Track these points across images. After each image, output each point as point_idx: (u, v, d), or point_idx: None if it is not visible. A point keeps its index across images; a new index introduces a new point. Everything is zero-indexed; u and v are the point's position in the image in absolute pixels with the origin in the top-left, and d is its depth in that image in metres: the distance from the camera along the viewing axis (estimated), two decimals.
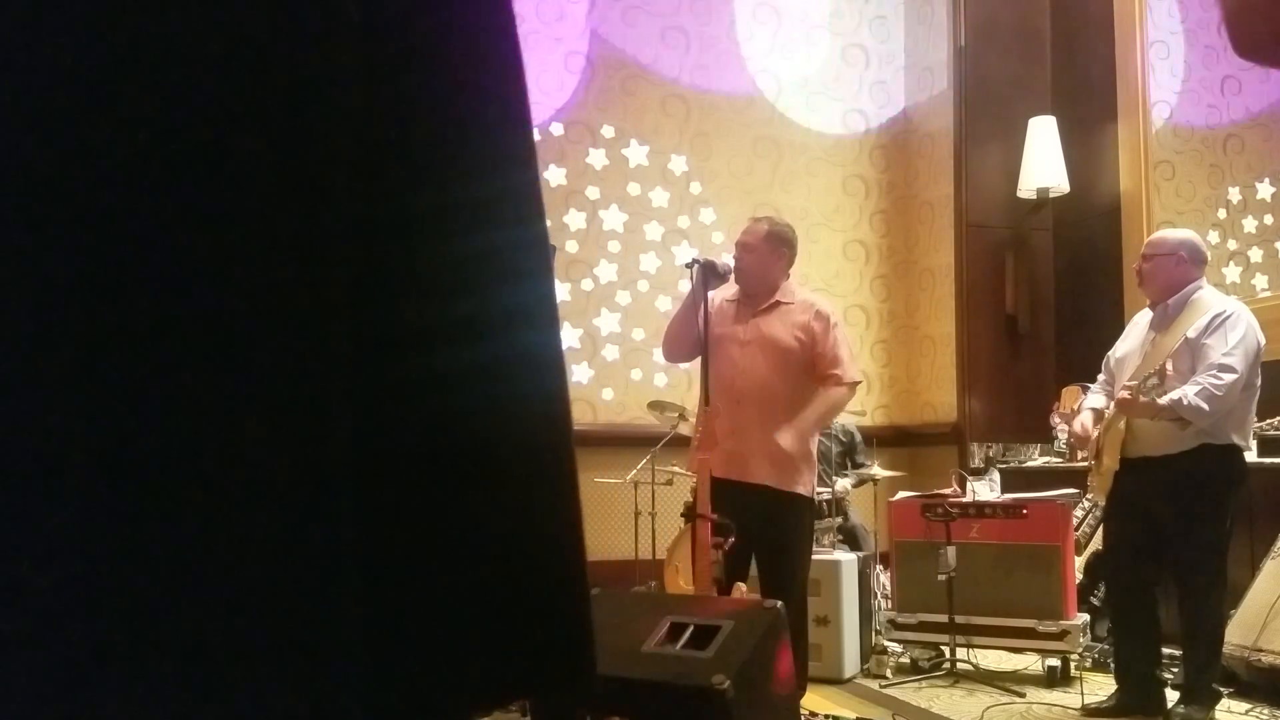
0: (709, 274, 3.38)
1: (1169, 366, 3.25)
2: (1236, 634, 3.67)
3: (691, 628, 2.17)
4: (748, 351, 3.43)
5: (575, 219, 6.18)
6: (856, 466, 5.46)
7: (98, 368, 0.47)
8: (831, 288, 6.46)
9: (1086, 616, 4.18)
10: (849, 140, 6.79)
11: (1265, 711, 3.48)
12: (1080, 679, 3.90)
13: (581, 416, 5.96)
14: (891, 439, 6.38)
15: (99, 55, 0.48)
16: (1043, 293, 6.36)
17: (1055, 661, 4.06)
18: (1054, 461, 5.43)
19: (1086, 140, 6.04)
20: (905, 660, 4.37)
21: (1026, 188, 6.12)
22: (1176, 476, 3.32)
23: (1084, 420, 3.58)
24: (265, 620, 0.50)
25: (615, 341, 6.19)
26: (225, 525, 0.49)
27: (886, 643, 4.33)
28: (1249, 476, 3.45)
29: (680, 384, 6.02)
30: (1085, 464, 3.85)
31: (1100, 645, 4.20)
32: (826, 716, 3.54)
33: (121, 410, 0.47)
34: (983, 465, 5.96)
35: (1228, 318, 3.32)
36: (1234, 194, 5.19)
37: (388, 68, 0.56)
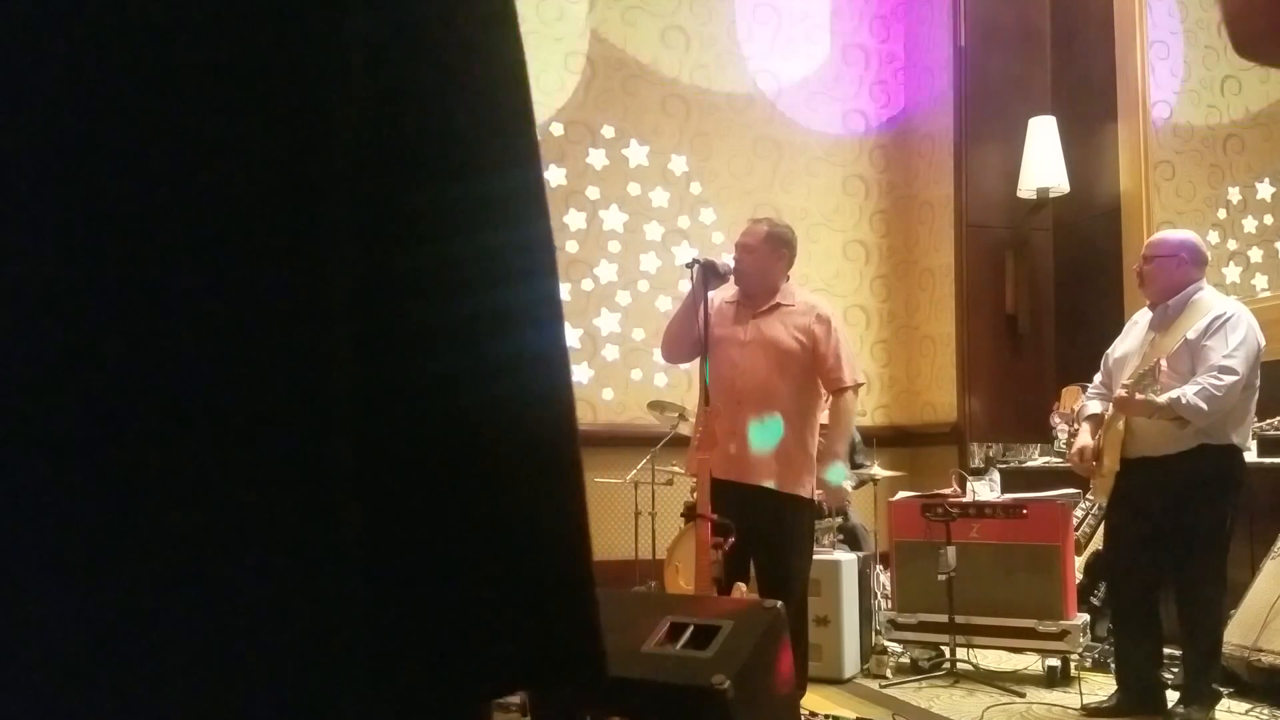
0: (709, 274, 3.38)
1: (1163, 364, 3.26)
2: (1236, 634, 3.67)
3: (691, 628, 2.17)
4: (747, 352, 3.43)
5: (575, 219, 6.18)
6: (856, 467, 5.45)
7: (93, 370, 0.47)
8: (831, 288, 6.46)
9: (1086, 616, 4.18)
10: (849, 140, 6.78)
11: (1265, 711, 3.48)
12: (1080, 679, 3.90)
13: (581, 416, 5.85)
14: (891, 439, 6.38)
15: (97, 55, 0.48)
16: (1043, 293, 6.35)
17: (1055, 661, 4.06)
18: (1054, 461, 5.43)
19: (1086, 140, 6.04)
20: (905, 660, 4.37)
21: (1026, 188, 6.12)
22: (1176, 477, 3.32)
23: (1083, 444, 3.57)
24: (265, 617, 0.50)
25: (615, 341, 6.19)
26: (224, 524, 0.49)
27: (886, 643, 4.33)
28: (1249, 477, 3.45)
29: (680, 384, 6.02)
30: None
31: (1100, 645, 4.21)
32: (826, 716, 3.54)
33: (118, 412, 0.47)
34: (983, 465, 5.95)
35: (1228, 319, 3.32)
36: (1234, 194, 5.19)
37: (389, 66, 0.56)
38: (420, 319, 0.57)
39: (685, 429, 5.04)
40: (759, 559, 3.41)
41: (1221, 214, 5.23)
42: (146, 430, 0.47)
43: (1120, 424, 3.46)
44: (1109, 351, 3.72)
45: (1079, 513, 4.56)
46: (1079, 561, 4.37)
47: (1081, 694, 3.65)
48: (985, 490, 5.03)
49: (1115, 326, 4.12)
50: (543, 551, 0.63)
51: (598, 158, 6.26)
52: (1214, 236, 5.10)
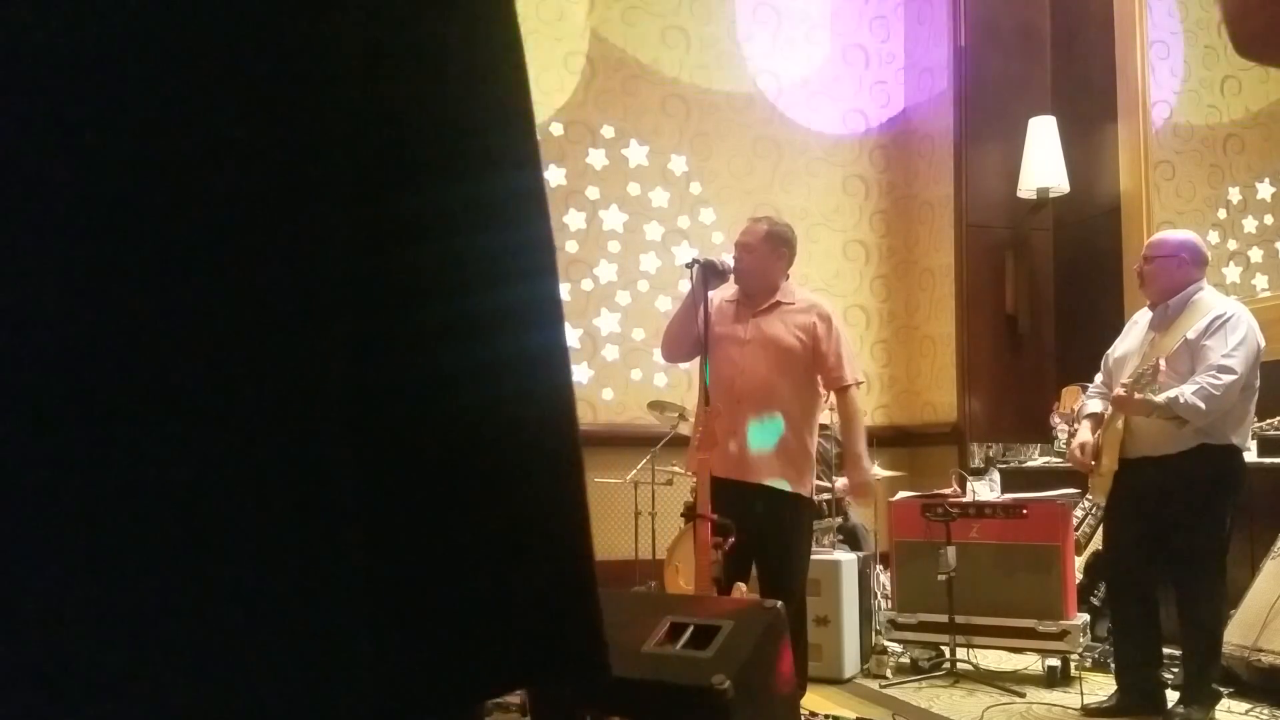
0: (709, 274, 3.38)
1: (1162, 364, 3.26)
2: (1236, 634, 3.67)
3: (691, 628, 2.17)
4: (747, 351, 3.43)
5: (575, 219, 6.18)
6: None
7: (89, 371, 0.47)
8: (831, 288, 6.46)
9: (1086, 616, 4.18)
10: (849, 140, 6.79)
11: (1265, 711, 3.48)
12: (1080, 679, 3.89)
13: (581, 416, 5.86)
14: (891, 439, 6.38)
15: (97, 56, 0.48)
16: (1043, 293, 6.35)
17: (1055, 661, 4.06)
18: (1054, 461, 5.43)
19: (1086, 140, 6.04)
20: (905, 660, 4.37)
21: (1026, 188, 6.12)
22: (1175, 477, 3.32)
23: (1082, 439, 3.57)
24: (266, 615, 0.50)
25: (615, 341, 6.19)
26: (223, 524, 0.49)
27: (886, 643, 4.33)
28: (1248, 477, 3.45)
29: (680, 384, 6.02)
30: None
31: (1100, 645, 4.20)
32: (826, 716, 3.54)
33: (119, 412, 0.47)
34: (983, 465, 5.95)
35: (1228, 319, 3.32)
36: (1234, 194, 5.19)
37: (388, 68, 0.56)
38: (421, 319, 0.57)
39: (685, 429, 5.04)
40: (759, 558, 3.41)
41: (1221, 214, 5.24)
42: (142, 429, 0.47)
43: (1119, 423, 3.46)
44: (1109, 352, 3.72)
45: (1079, 513, 4.56)
46: (1079, 561, 4.37)
47: (1082, 694, 3.64)
48: (985, 490, 5.03)
49: (1115, 326, 4.12)
50: (544, 550, 0.63)
51: (598, 158, 6.26)
52: (1214, 236, 5.10)
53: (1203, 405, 3.19)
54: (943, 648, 4.26)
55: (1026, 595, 4.07)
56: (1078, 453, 3.58)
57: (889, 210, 6.85)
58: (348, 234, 0.53)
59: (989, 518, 4.25)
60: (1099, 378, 3.75)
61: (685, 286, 3.70)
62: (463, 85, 0.60)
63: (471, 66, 0.61)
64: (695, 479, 3.34)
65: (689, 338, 3.45)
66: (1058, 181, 6.00)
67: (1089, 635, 4.16)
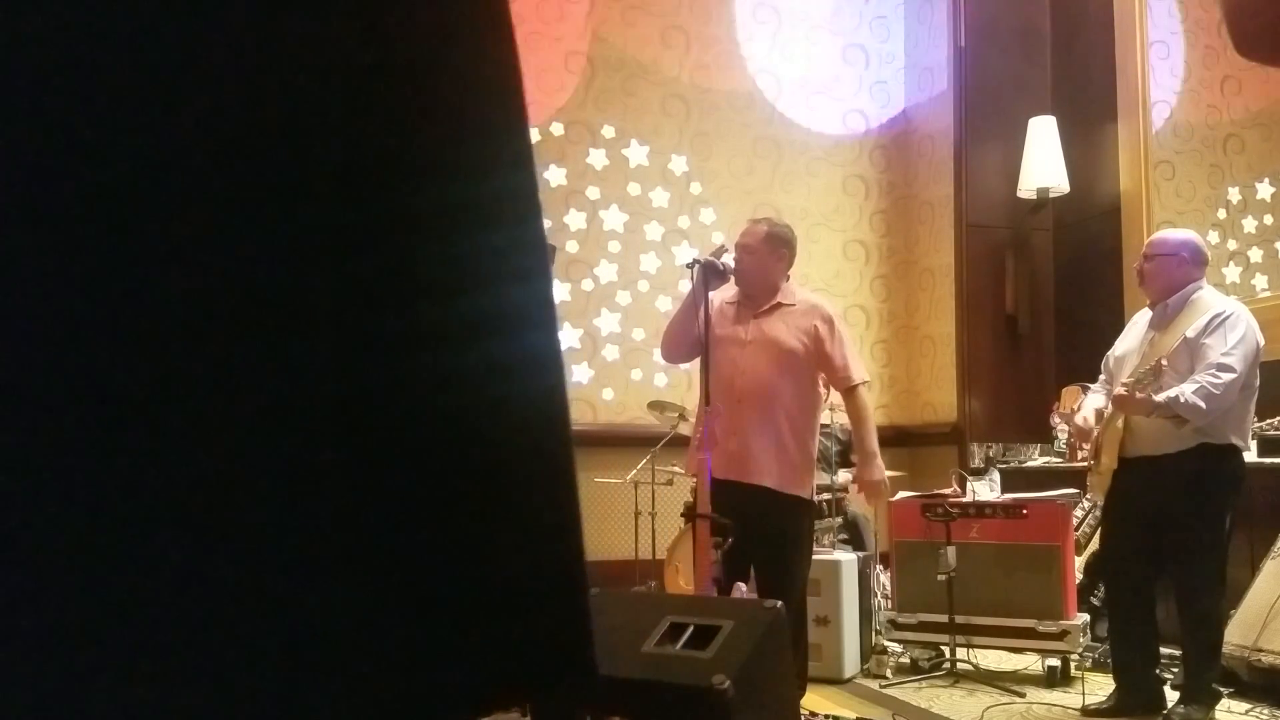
0: (710, 274, 3.37)
1: (1164, 363, 3.26)
2: (1236, 634, 3.67)
3: (691, 628, 2.17)
4: (748, 352, 3.43)
5: (575, 219, 6.18)
6: (852, 466, 5.45)
7: (69, 374, 0.47)
8: (831, 288, 6.46)
9: (1086, 616, 4.18)
10: (849, 140, 6.79)
11: (1265, 711, 3.48)
12: (1080, 679, 3.90)
13: (581, 416, 5.97)
14: (891, 439, 6.37)
15: (86, 55, 0.48)
16: (1043, 293, 6.36)
17: (1055, 661, 4.06)
18: (1054, 461, 5.43)
19: (1086, 140, 6.04)
20: (905, 660, 4.37)
21: (1026, 188, 6.12)
22: (1175, 476, 3.32)
23: (1086, 414, 3.57)
24: (254, 623, 0.49)
25: (615, 341, 6.19)
26: (212, 527, 0.49)
27: (886, 643, 4.33)
28: (1248, 477, 3.45)
29: (680, 384, 6.02)
30: (1085, 464, 3.85)
31: (1100, 645, 4.20)
32: (826, 716, 3.54)
33: (104, 412, 0.47)
34: (983, 465, 5.96)
35: (1227, 318, 3.32)
36: (1234, 194, 5.19)
37: (382, 66, 0.56)
38: (412, 320, 0.57)
39: (685, 429, 5.04)
40: (759, 559, 3.41)
41: (1221, 214, 5.24)
42: (125, 430, 0.47)
43: (1119, 422, 3.46)
44: (1110, 352, 3.72)
45: (1079, 513, 4.57)
46: (1079, 561, 4.36)
47: (1082, 694, 3.64)
48: (985, 490, 5.03)
49: (1115, 326, 4.13)
50: (537, 555, 0.62)
51: (598, 158, 6.26)
52: (1214, 236, 5.11)
53: (1203, 404, 3.19)
54: (943, 648, 4.26)
55: (1026, 595, 4.07)
56: (1080, 421, 3.56)
57: (889, 210, 6.85)
58: (336, 233, 0.53)
59: (989, 518, 4.25)
60: (1101, 379, 3.75)
61: (685, 287, 3.70)
62: (455, 84, 0.60)
63: (464, 66, 0.60)
64: (695, 479, 3.34)
65: (689, 338, 3.45)
66: (1058, 181, 6.00)
67: (1089, 635, 4.16)
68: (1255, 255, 5.05)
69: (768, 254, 3.49)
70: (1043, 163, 6.00)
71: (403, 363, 0.56)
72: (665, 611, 2.25)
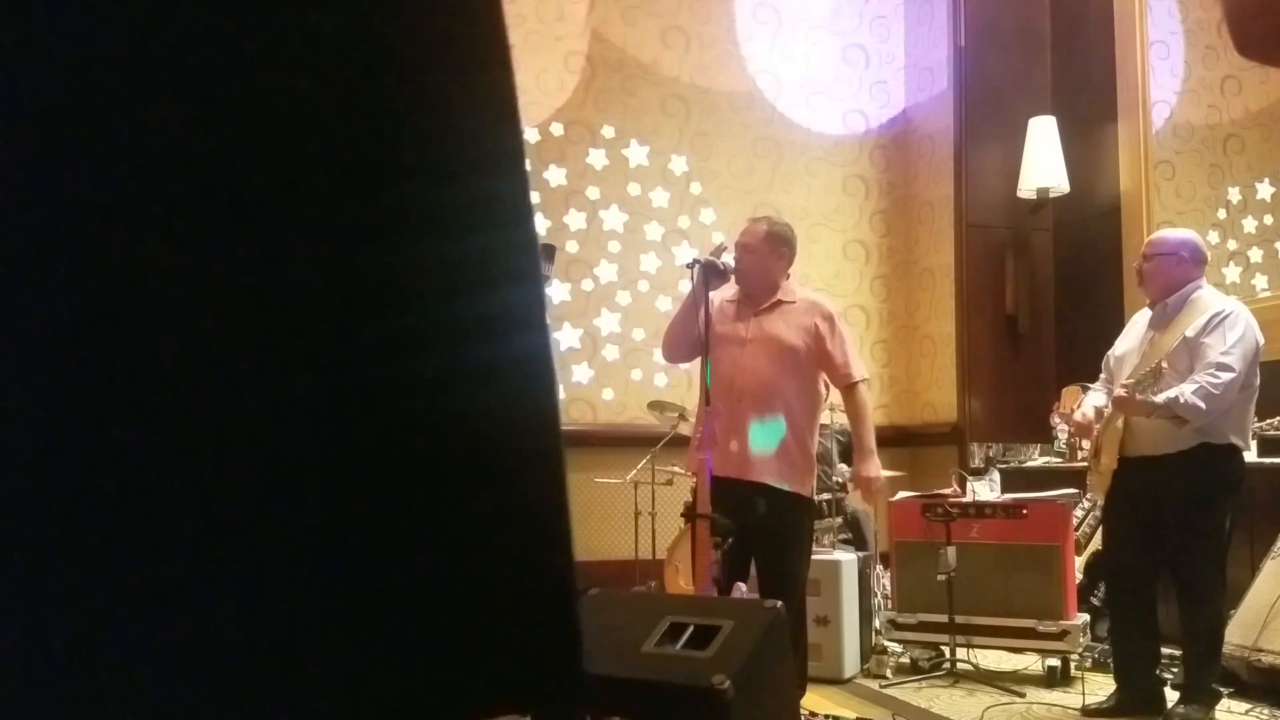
0: (710, 274, 3.37)
1: (1164, 364, 3.26)
2: (1236, 634, 3.67)
3: (691, 628, 2.17)
4: (749, 351, 3.43)
5: (575, 219, 6.18)
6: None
7: (54, 374, 0.46)
8: (831, 288, 6.45)
9: (1086, 616, 4.18)
10: (849, 140, 6.79)
11: (1265, 711, 3.48)
12: (1080, 679, 3.90)
13: (581, 416, 5.97)
14: (891, 439, 6.37)
15: (79, 54, 0.48)
16: (1043, 293, 6.35)
17: (1055, 661, 4.06)
18: (1054, 461, 5.43)
19: (1086, 140, 6.04)
20: (905, 660, 4.37)
21: (1026, 188, 6.12)
22: (1175, 476, 3.32)
23: (1086, 411, 3.57)
24: (243, 631, 0.49)
25: (615, 341, 6.19)
26: (199, 532, 0.49)
27: (886, 643, 4.33)
28: (1248, 477, 3.45)
29: (680, 384, 6.02)
30: (1084, 464, 3.85)
31: (1100, 645, 4.20)
32: (826, 716, 3.54)
33: (94, 411, 0.47)
34: (983, 465, 5.95)
35: (1226, 317, 3.32)
36: (1234, 194, 5.19)
37: (372, 66, 0.55)
38: (401, 321, 0.56)
39: (685, 429, 5.04)
40: (759, 558, 3.41)
41: (1221, 214, 5.24)
42: (115, 429, 0.47)
43: (1119, 422, 3.45)
44: (1110, 352, 3.72)
45: (1079, 513, 4.56)
46: (1079, 561, 4.36)
47: (1082, 694, 3.64)
48: (985, 490, 5.03)
49: (1115, 326, 4.12)
50: (526, 560, 0.62)
51: (598, 158, 6.26)
52: (1214, 236, 5.11)
53: (1202, 404, 3.19)
54: (943, 648, 4.26)
55: (1026, 595, 4.07)
56: (1080, 418, 3.56)
57: (889, 210, 6.85)
58: (326, 233, 0.53)
59: (989, 518, 4.25)
60: (1101, 378, 3.74)
61: (685, 286, 3.70)
62: (446, 85, 0.60)
63: (455, 65, 0.60)
64: (695, 479, 3.34)
65: (689, 338, 3.45)
66: (1058, 181, 6.00)
67: (1089, 635, 4.16)
68: (1255, 255, 5.05)
69: (768, 253, 3.49)
70: (1043, 163, 6.00)
71: (392, 364, 0.56)
72: (665, 611, 2.25)
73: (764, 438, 3.36)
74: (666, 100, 6.40)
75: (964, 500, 4.49)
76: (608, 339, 6.18)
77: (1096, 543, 4.37)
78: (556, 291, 5.99)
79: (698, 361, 3.42)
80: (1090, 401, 3.66)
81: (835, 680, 4.10)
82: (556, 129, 6.15)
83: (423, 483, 0.57)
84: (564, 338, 6.06)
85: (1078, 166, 6.01)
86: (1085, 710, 3.55)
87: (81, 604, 0.47)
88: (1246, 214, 5.11)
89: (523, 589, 0.62)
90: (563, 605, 0.63)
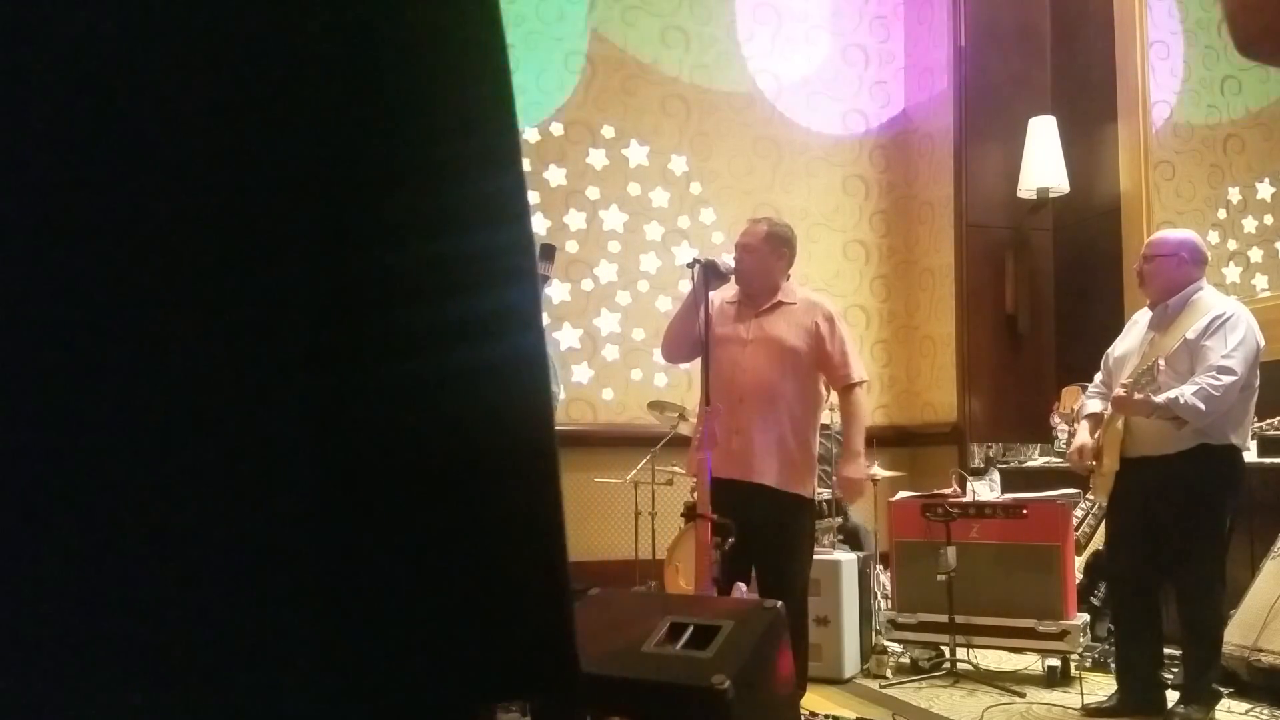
0: (710, 274, 3.37)
1: (1161, 364, 3.26)
2: (1236, 634, 3.67)
3: (691, 628, 2.17)
4: (750, 351, 3.43)
5: (575, 219, 6.18)
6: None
7: (48, 374, 0.46)
8: (831, 288, 6.46)
9: (1086, 616, 4.18)
10: (849, 140, 6.79)
11: (1265, 711, 3.48)
12: (1080, 679, 3.89)
13: (581, 416, 5.97)
14: (891, 439, 6.38)
15: (74, 54, 0.47)
16: (1043, 293, 6.36)
17: (1055, 661, 4.06)
18: (1054, 461, 5.43)
19: (1086, 140, 6.04)
20: (905, 660, 4.37)
21: (1026, 188, 6.12)
22: (1175, 476, 3.32)
23: (1081, 442, 3.57)
24: (239, 629, 0.49)
25: (615, 341, 6.19)
26: (197, 532, 0.49)
27: (886, 643, 4.33)
28: (1248, 477, 3.45)
29: (680, 384, 6.02)
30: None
31: (1100, 645, 4.20)
32: (826, 716, 3.54)
33: (83, 414, 0.47)
34: (983, 465, 5.95)
35: (1227, 319, 3.32)
36: (1234, 194, 5.19)
37: (368, 66, 0.55)
38: (394, 323, 0.56)
39: (685, 429, 5.04)
40: (759, 559, 3.41)
41: (1221, 214, 5.23)
42: (104, 433, 0.47)
43: (1119, 423, 3.46)
44: (1109, 351, 3.72)
45: (1079, 513, 4.56)
46: (1079, 561, 4.37)
47: (1082, 694, 3.64)
48: (985, 490, 5.03)
49: (1115, 326, 4.12)
50: (519, 562, 0.62)
51: (598, 158, 6.26)
52: (1214, 236, 5.10)
53: (1202, 406, 3.19)
54: (943, 648, 4.26)
55: (1026, 595, 4.07)
56: (1076, 455, 3.59)
57: (889, 210, 6.85)
58: (318, 234, 0.53)
59: (989, 518, 4.25)
60: (1099, 377, 3.75)
61: (685, 286, 3.70)
62: (441, 84, 0.60)
63: (452, 65, 0.60)
64: (696, 479, 3.34)
65: (689, 338, 3.45)
66: (1058, 181, 6.00)
67: (1089, 635, 4.16)
68: (1255, 255, 5.05)
69: (768, 253, 3.49)
70: (1043, 163, 6.00)
71: (387, 363, 0.56)
72: (665, 611, 2.25)
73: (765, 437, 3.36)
74: (666, 100, 6.40)
75: (964, 500, 4.49)
76: (608, 339, 6.18)
77: (1096, 543, 4.37)
78: (556, 291, 5.99)
79: (698, 361, 3.42)
80: (1085, 414, 3.65)
81: (835, 680, 4.10)
82: (556, 129, 6.15)
83: (417, 481, 0.57)
84: (564, 338, 6.06)
85: (1078, 166, 6.01)
86: (1085, 710, 3.55)
87: (81, 602, 0.47)
88: (1246, 214, 5.11)
89: (516, 585, 0.62)
90: (556, 601, 0.63)
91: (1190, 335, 3.34)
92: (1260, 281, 5.00)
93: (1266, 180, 5.02)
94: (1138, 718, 3.44)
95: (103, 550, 0.47)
